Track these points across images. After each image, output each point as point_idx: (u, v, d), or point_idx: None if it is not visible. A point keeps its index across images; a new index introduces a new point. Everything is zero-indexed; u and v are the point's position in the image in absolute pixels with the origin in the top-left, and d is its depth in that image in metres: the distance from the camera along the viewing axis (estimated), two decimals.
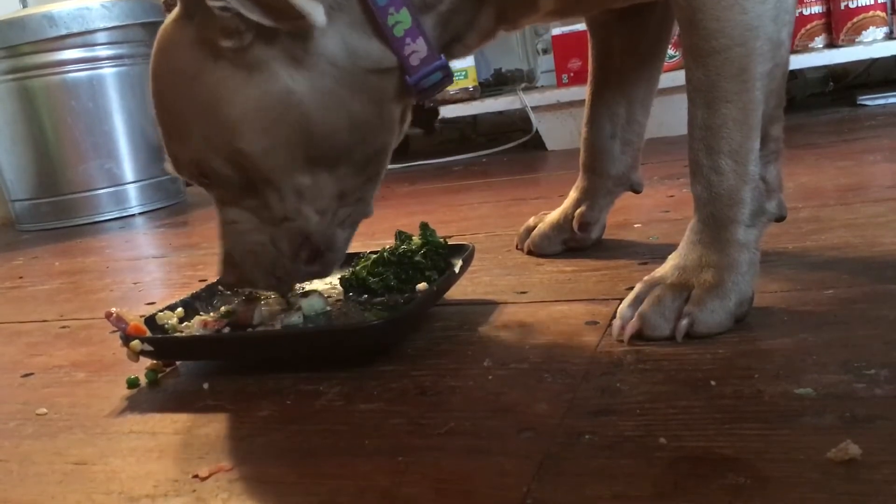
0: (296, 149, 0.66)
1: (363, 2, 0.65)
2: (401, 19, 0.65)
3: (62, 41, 1.87)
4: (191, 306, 0.80)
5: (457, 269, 0.78)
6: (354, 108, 0.67)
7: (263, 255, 0.70)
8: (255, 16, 0.60)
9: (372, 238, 1.17)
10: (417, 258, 0.79)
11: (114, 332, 0.76)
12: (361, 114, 0.67)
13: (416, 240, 0.81)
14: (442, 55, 0.68)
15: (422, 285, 0.77)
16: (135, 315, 0.75)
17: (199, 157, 0.67)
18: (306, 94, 0.65)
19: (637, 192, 0.94)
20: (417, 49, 0.67)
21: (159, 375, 0.72)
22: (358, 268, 0.81)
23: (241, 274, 0.71)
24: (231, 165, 0.67)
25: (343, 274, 0.82)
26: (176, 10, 0.67)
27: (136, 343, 0.70)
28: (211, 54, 0.64)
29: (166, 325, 0.76)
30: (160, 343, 0.71)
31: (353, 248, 0.74)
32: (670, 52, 1.81)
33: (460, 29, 0.70)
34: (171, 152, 0.70)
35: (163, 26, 0.68)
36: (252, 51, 0.64)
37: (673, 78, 1.74)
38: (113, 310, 0.73)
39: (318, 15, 0.61)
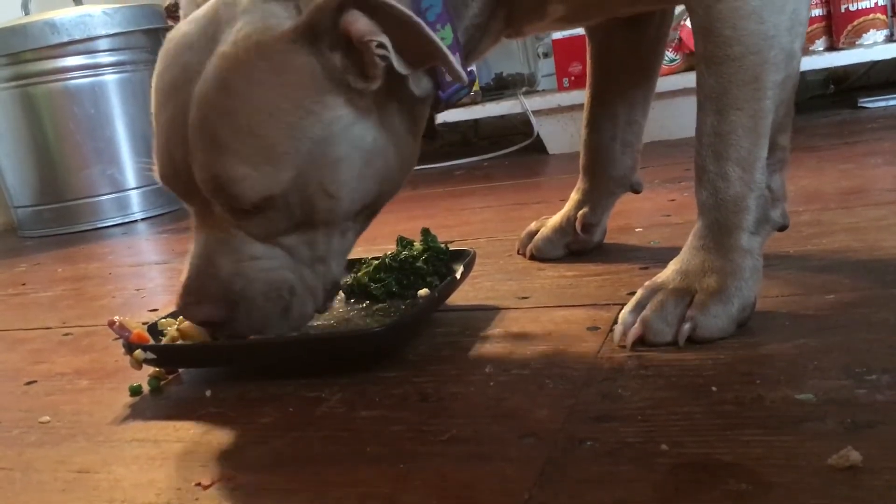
0: (370, 193, 0.64)
1: None
2: (445, 35, 0.65)
3: (64, 48, 1.87)
4: None
5: (458, 275, 0.78)
6: (409, 145, 0.66)
7: (280, 302, 0.64)
8: (404, 69, 0.59)
9: (373, 243, 1.17)
10: (419, 264, 0.79)
11: (117, 339, 0.76)
12: (412, 149, 0.67)
13: (418, 245, 0.82)
14: (470, 70, 0.68)
15: (423, 291, 0.77)
16: (137, 323, 0.75)
17: (278, 190, 0.60)
18: (388, 136, 0.64)
19: (637, 192, 0.94)
20: None
21: (162, 383, 0.72)
22: (360, 274, 0.81)
23: (238, 316, 0.64)
24: (306, 203, 0.62)
25: (345, 280, 0.82)
26: (275, 28, 0.59)
27: (139, 352, 0.70)
28: (331, 88, 0.60)
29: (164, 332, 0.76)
30: (163, 351, 0.71)
31: (355, 253, 0.74)
32: (671, 55, 1.81)
33: (477, 42, 0.71)
34: (231, 174, 0.60)
35: (254, 41, 0.59)
36: (370, 95, 0.62)
37: (674, 82, 1.75)
38: (116, 318, 0.73)
39: (458, 65, 0.60)
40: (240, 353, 0.72)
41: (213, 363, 0.74)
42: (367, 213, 0.67)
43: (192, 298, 0.63)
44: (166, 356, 0.72)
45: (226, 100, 0.59)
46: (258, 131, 0.59)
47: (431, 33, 0.58)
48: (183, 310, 0.65)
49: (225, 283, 0.63)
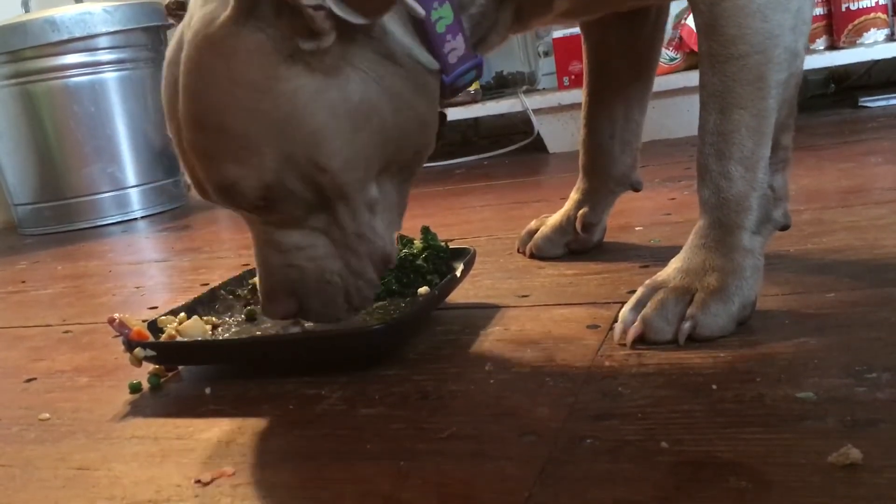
0: (373, 157, 0.62)
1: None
2: (443, 14, 0.63)
3: (64, 46, 1.87)
4: (193, 311, 0.80)
5: (458, 273, 0.78)
6: (420, 109, 0.63)
7: (337, 287, 0.65)
8: (347, 14, 0.55)
9: None
10: (419, 262, 0.79)
11: (116, 337, 0.76)
12: (426, 114, 0.64)
13: (418, 244, 0.82)
14: (477, 54, 0.67)
15: (423, 289, 0.77)
16: (137, 320, 0.75)
17: (271, 178, 0.59)
18: (381, 97, 0.61)
19: (637, 190, 0.94)
20: (456, 46, 0.64)
21: (162, 380, 0.72)
22: None
23: (308, 305, 0.65)
24: (307, 183, 0.60)
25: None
26: (219, 16, 0.58)
27: (138, 350, 0.70)
28: (284, 60, 0.58)
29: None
30: (162, 348, 0.72)
31: None
32: (671, 54, 1.81)
33: (485, 32, 0.70)
34: (226, 178, 0.60)
35: (201, 36, 0.58)
36: (331, 52, 0.58)
37: (674, 80, 1.75)
38: (116, 315, 0.73)
39: (418, 8, 0.58)
40: (236, 350, 0.72)
41: (211, 360, 0.74)
42: (391, 177, 0.64)
43: (266, 299, 0.65)
44: (165, 353, 0.72)
45: (194, 108, 0.59)
46: (229, 129, 0.58)
47: None
48: (265, 312, 0.67)
49: (283, 277, 0.64)
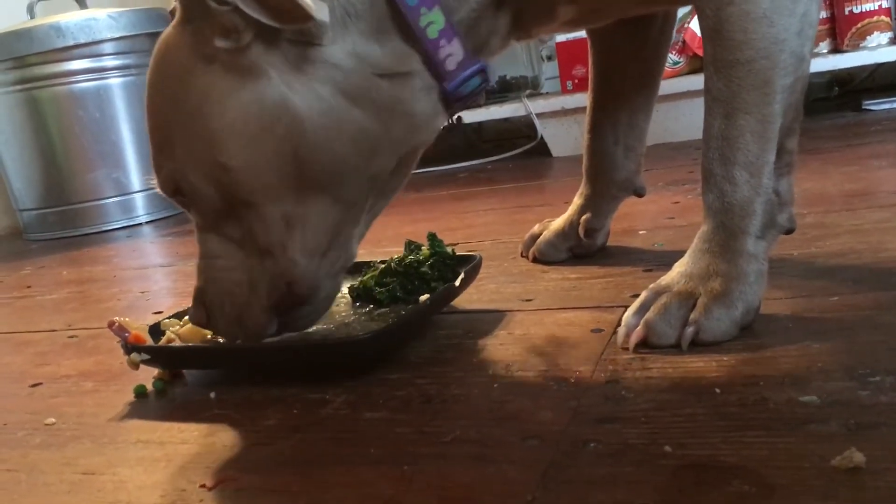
0: (284, 166, 0.60)
1: (391, 4, 0.61)
2: (433, 19, 0.62)
3: (69, 52, 1.88)
4: None
5: (457, 283, 0.77)
6: (358, 118, 0.61)
7: (235, 301, 0.64)
8: (255, 13, 0.56)
9: (378, 245, 1.17)
10: (423, 269, 0.78)
11: (119, 341, 0.76)
12: (367, 124, 0.62)
13: (426, 251, 0.81)
14: (480, 59, 0.65)
15: (424, 297, 0.76)
16: (139, 324, 0.75)
17: (176, 171, 0.62)
18: (301, 102, 0.60)
19: (640, 195, 0.94)
20: (453, 52, 0.63)
21: (166, 384, 0.73)
22: (366, 277, 0.81)
23: (214, 316, 0.66)
24: (211, 182, 0.61)
25: (352, 283, 0.82)
26: (176, 17, 0.63)
27: (134, 354, 0.71)
28: (203, 57, 0.60)
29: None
30: (156, 353, 0.73)
31: (361, 256, 0.74)
32: (674, 58, 1.81)
33: (483, 38, 0.68)
34: (154, 165, 0.64)
35: (162, 34, 0.64)
36: (249, 53, 0.59)
37: (678, 84, 1.75)
38: (116, 319, 0.74)
39: (321, 13, 0.57)
40: (226, 356, 0.73)
41: (199, 365, 0.75)
42: (323, 197, 0.62)
43: (192, 302, 0.68)
44: (158, 357, 0.73)
45: (146, 95, 0.64)
46: (157, 117, 0.63)
47: None
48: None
49: (203, 284, 0.66)
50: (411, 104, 0.64)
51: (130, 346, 0.72)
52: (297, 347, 0.70)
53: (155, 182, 0.65)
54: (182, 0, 0.61)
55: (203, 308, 0.66)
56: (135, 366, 0.72)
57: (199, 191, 0.62)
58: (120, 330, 0.73)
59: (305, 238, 0.63)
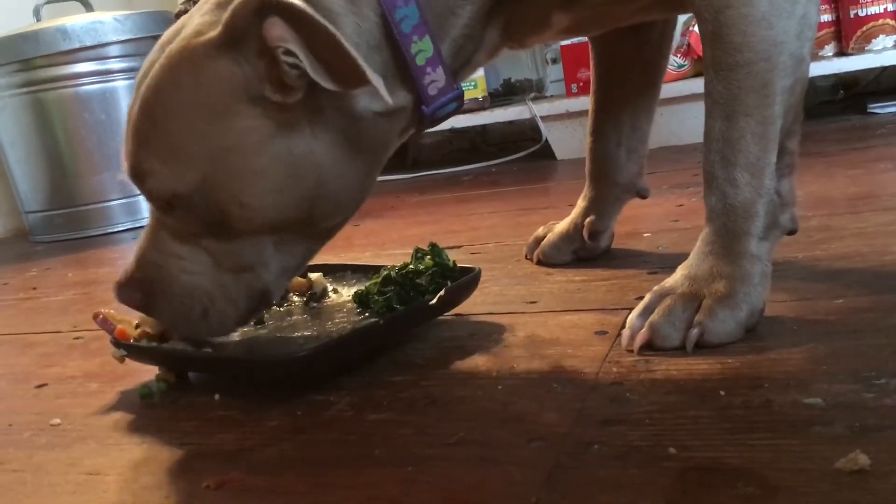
0: (299, 212, 0.63)
1: (391, 37, 0.62)
2: (423, 48, 0.63)
3: (75, 54, 1.88)
4: None
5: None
6: (362, 163, 0.64)
7: (196, 306, 0.66)
8: (323, 81, 0.56)
9: (383, 248, 1.17)
10: (419, 280, 0.76)
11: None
12: (368, 167, 0.65)
13: (428, 261, 0.80)
14: (457, 86, 0.67)
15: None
16: (123, 317, 0.76)
17: (183, 190, 0.62)
18: (324, 153, 0.62)
19: (644, 197, 0.94)
20: (436, 79, 0.65)
21: (170, 385, 0.73)
22: (369, 284, 0.80)
23: (159, 307, 0.66)
24: (216, 209, 0.62)
25: (358, 289, 0.81)
26: (206, 32, 0.60)
27: (115, 351, 0.74)
28: (250, 99, 0.60)
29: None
30: (133, 349, 0.74)
31: (367, 259, 0.74)
32: (679, 61, 1.81)
33: (470, 53, 0.69)
34: (144, 166, 0.63)
35: (186, 42, 0.60)
36: (294, 110, 0.60)
37: (682, 87, 1.75)
38: (101, 311, 0.75)
39: (376, 79, 0.57)
40: (178, 360, 0.74)
41: (162, 365, 0.75)
42: (308, 230, 0.65)
43: (120, 280, 0.67)
44: (137, 354, 0.75)
45: (152, 98, 0.62)
46: (171, 131, 0.61)
47: (348, 46, 0.55)
48: (113, 290, 0.68)
49: (145, 272, 0.66)
50: (397, 133, 0.67)
51: (115, 340, 0.74)
52: (247, 361, 0.71)
53: (126, 167, 0.65)
54: (230, 25, 0.58)
55: (141, 294, 0.67)
56: (120, 360, 0.74)
57: (197, 210, 0.63)
58: (104, 322, 0.75)
59: (286, 260, 0.66)
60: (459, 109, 0.69)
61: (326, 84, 0.57)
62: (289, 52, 0.56)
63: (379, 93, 0.57)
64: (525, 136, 2.26)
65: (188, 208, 0.63)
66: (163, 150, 0.62)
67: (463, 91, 0.68)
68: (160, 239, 0.66)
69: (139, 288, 0.67)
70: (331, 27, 0.54)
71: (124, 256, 1.59)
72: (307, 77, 0.57)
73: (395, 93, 0.64)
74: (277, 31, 0.56)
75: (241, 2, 0.57)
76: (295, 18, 0.55)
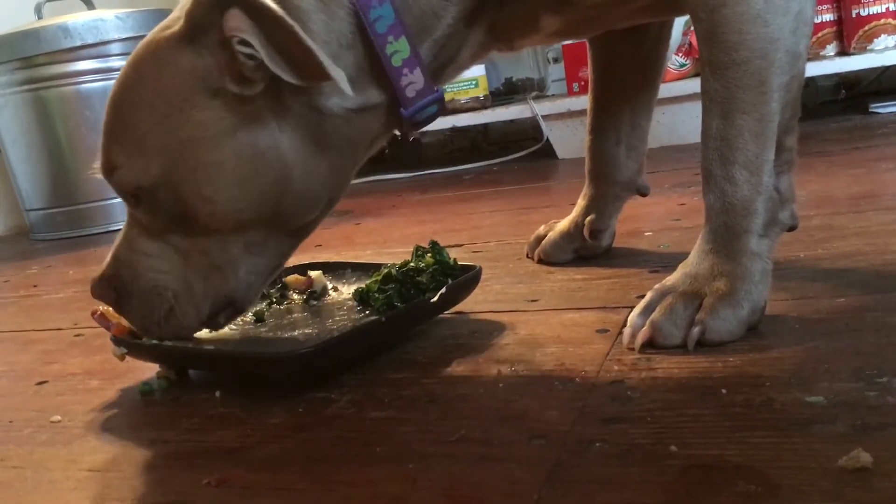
0: (265, 207, 0.63)
1: (365, 36, 0.62)
2: (399, 48, 0.63)
3: (77, 52, 1.88)
4: None
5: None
6: (331, 159, 0.64)
7: (162, 305, 0.66)
8: (281, 72, 0.57)
9: (384, 246, 1.17)
10: (420, 278, 0.77)
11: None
12: (337, 164, 0.65)
13: (429, 259, 0.80)
14: (438, 88, 0.67)
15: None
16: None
17: (147, 183, 0.63)
18: (289, 147, 0.62)
19: (644, 195, 0.94)
20: (414, 80, 0.64)
21: (171, 382, 0.73)
22: (370, 282, 0.80)
23: (128, 305, 0.67)
24: (180, 203, 0.62)
25: (359, 287, 0.81)
26: (173, 26, 0.61)
27: (115, 348, 0.74)
28: (208, 90, 0.60)
29: None
30: (133, 347, 0.74)
31: (368, 257, 0.74)
32: (681, 60, 1.81)
33: (453, 52, 0.69)
34: (113, 160, 0.64)
35: (153, 36, 0.62)
36: (255, 99, 0.60)
37: (684, 87, 1.75)
38: (99, 308, 0.75)
39: (339, 75, 0.57)
40: (178, 356, 0.74)
41: (165, 362, 0.75)
42: (276, 228, 0.65)
43: (94, 278, 0.68)
44: (134, 350, 0.74)
45: (119, 93, 0.63)
46: (135, 123, 0.62)
47: (306, 38, 0.55)
48: (90, 287, 0.68)
49: (117, 269, 0.67)
50: (373, 133, 0.67)
51: (115, 337, 0.74)
52: (243, 357, 0.72)
53: (98, 165, 0.66)
54: (190, 17, 0.59)
55: (113, 291, 0.67)
56: (120, 356, 0.74)
57: (163, 204, 0.63)
58: (102, 319, 0.75)
59: (259, 262, 0.67)
60: (440, 112, 0.69)
61: (285, 75, 0.57)
62: (245, 43, 0.57)
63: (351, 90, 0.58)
64: (526, 135, 2.26)
65: (153, 202, 0.63)
66: (128, 144, 0.63)
67: (443, 94, 0.67)
68: (132, 237, 0.67)
69: (111, 285, 0.67)
70: (289, 19, 0.55)
71: None
72: (267, 70, 0.58)
73: (367, 91, 0.64)
74: (235, 21, 0.57)
75: None
76: (254, 10, 0.56)
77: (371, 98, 0.65)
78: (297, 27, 0.55)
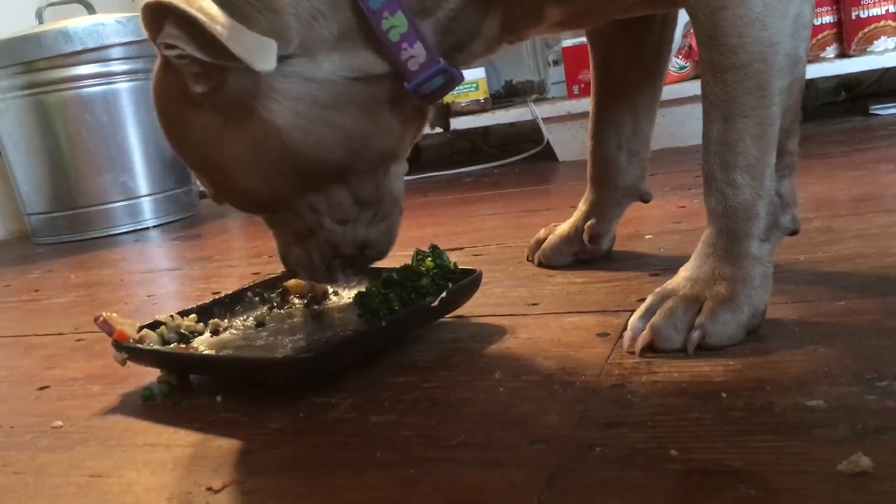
0: (291, 175, 0.66)
1: (355, 8, 0.63)
2: (396, 23, 0.64)
3: (77, 56, 1.89)
4: (209, 312, 0.81)
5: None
6: (342, 122, 0.65)
7: (305, 264, 0.73)
8: (208, 57, 0.59)
9: None
10: (421, 282, 0.77)
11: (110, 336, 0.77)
12: (353, 125, 0.66)
13: (429, 263, 0.80)
14: (441, 59, 0.66)
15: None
16: (124, 320, 0.77)
17: (215, 193, 0.70)
18: (285, 124, 0.63)
19: (646, 201, 0.94)
20: (415, 54, 0.65)
21: (172, 387, 0.73)
22: (370, 286, 0.80)
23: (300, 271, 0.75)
24: (242, 198, 0.69)
25: (360, 290, 0.81)
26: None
27: (116, 353, 0.74)
28: (189, 102, 0.64)
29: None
30: (134, 352, 0.74)
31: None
32: (681, 62, 1.81)
33: (463, 37, 0.69)
34: (208, 188, 0.72)
35: (154, 70, 0.67)
36: (224, 90, 0.62)
37: (684, 89, 1.75)
38: (102, 314, 0.76)
39: (260, 63, 0.58)
40: (174, 362, 0.75)
41: (166, 367, 0.75)
42: (326, 184, 0.68)
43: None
44: (136, 356, 0.75)
45: (161, 122, 0.69)
46: (184, 152, 0.69)
47: (209, 26, 0.57)
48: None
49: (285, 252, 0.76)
50: (385, 99, 0.67)
51: (116, 343, 0.75)
52: (235, 361, 0.73)
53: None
54: (153, 40, 0.62)
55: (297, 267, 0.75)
56: (122, 362, 0.75)
57: (238, 203, 0.70)
58: (105, 325, 0.76)
59: (335, 214, 0.70)
60: (452, 84, 0.68)
61: (213, 59, 0.59)
62: (170, 46, 0.59)
63: (344, 59, 0.63)
64: (527, 138, 2.26)
65: (238, 205, 0.71)
66: (198, 171, 0.70)
67: (447, 66, 0.66)
68: (273, 230, 0.75)
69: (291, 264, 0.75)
70: (189, 10, 0.57)
71: (126, 258, 1.59)
72: (210, 65, 0.60)
73: (359, 56, 0.65)
74: (166, 31, 0.59)
75: (144, 20, 0.61)
76: (175, 15, 0.58)
77: (372, 67, 0.65)
78: (199, 18, 0.57)
